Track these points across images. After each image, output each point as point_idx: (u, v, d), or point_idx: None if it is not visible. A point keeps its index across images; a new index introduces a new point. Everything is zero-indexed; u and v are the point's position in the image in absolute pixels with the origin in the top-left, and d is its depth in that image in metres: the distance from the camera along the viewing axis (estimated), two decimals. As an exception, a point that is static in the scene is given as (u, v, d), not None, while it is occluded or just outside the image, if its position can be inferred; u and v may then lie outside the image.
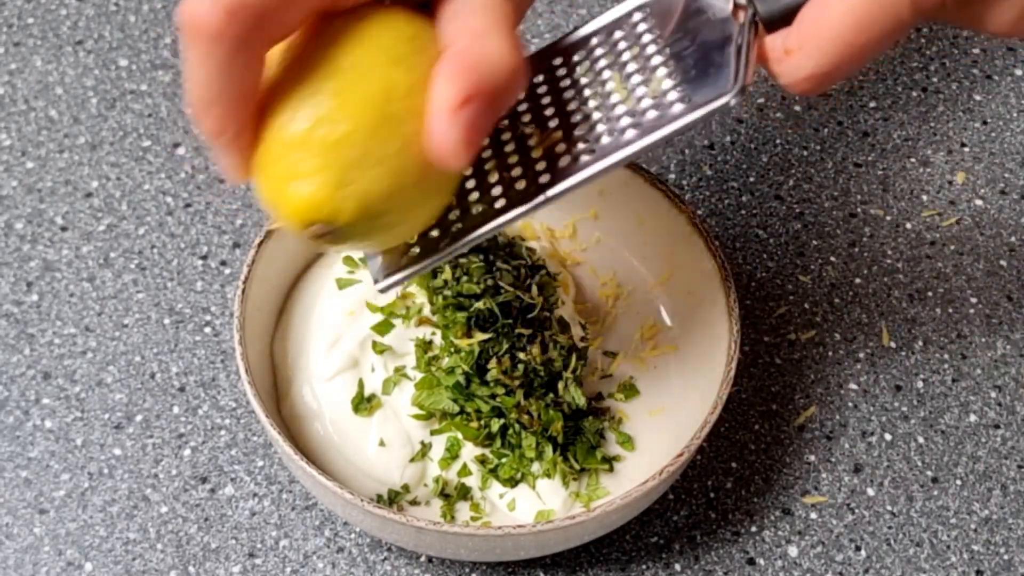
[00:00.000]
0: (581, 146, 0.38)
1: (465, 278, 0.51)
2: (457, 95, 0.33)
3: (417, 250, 0.40)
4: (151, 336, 0.59)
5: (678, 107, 0.36)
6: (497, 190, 0.39)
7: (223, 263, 0.62)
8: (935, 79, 0.72)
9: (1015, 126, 0.70)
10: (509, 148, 0.40)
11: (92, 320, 0.59)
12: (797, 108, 0.70)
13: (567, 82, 0.40)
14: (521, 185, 0.39)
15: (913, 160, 0.68)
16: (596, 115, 0.38)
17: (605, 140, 0.38)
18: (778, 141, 0.69)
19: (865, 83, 0.72)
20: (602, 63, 0.39)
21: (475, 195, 0.39)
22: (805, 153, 0.68)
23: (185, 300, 0.60)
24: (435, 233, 0.40)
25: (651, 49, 0.38)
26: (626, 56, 0.39)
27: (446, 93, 0.33)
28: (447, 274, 0.51)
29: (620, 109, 0.38)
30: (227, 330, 0.59)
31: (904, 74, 0.72)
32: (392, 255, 0.41)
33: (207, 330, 0.59)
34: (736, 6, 0.37)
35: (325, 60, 0.34)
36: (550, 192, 0.38)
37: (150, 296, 0.60)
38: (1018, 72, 0.73)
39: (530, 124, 0.39)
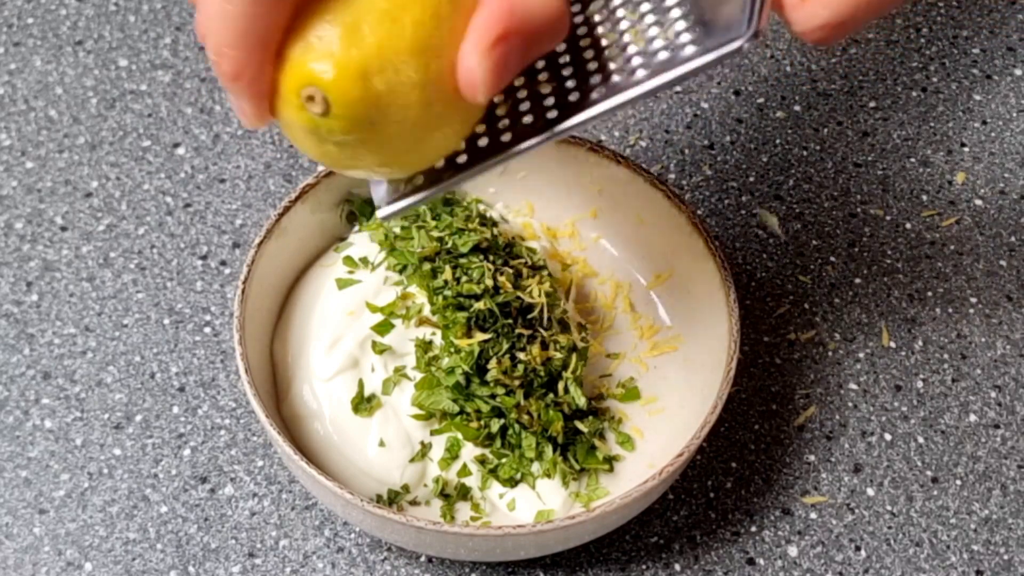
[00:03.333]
0: (591, 82, 0.37)
1: (465, 278, 0.51)
2: (493, 32, 0.33)
3: (421, 179, 0.39)
4: (151, 336, 0.59)
5: (690, 49, 0.36)
6: (504, 123, 0.38)
7: (223, 263, 0.62)
8: (935, 79, 0.72)
9: (1015, 126, 0.70)
10: (518, 83, 0.39)
11: (92, 320, 0.59)
12: (797, 108, 0.70)
13: (580, 19, 0.39)
14: (529, 120, 0.38)
15: (913, 160, 0.68)
16: (608, 53, 0.38)
17: (616, 79, 0.37)
18: (778, 141, 0.69)
19: (865, 83, 0.72)
20: (616, 1, 0.39)
21: (481, 128, 0.39)
22: (805, 153, 0.68)
23: (185, 300, 0.60)
24: (439, 163, 0.39)
25: None
26: None
27: (484, 28, 0.33)
28: (447, 274, 0.51)
29: (632, 49, 0.37)
30: (227, 330, 0.59)
31: (904, 74, 0.72)
32: (396, 182, 0.40)
33: (207, 330, 0.59)
34: None
35: None
36: (557, 128, 0.37)
37: (150, 296, 0.60)
38: (1018, 72, 0.73)
39: (540, 59, 0.39)
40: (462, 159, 0.39)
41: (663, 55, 0.36)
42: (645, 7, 0.38)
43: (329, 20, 0.34)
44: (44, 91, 0.68)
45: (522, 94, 0.39)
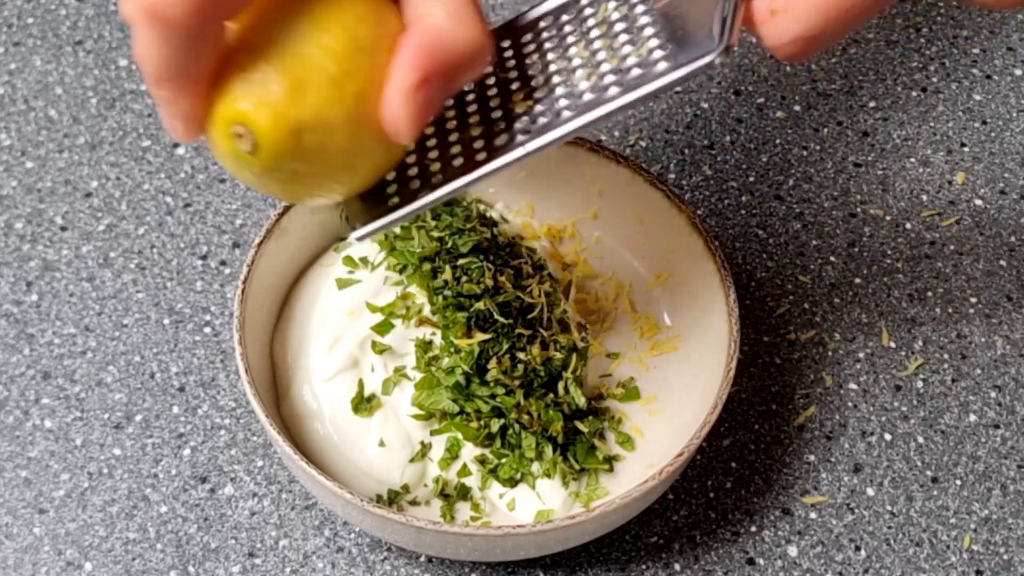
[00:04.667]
0: (563, 102, 0.38)
1: (465, 278, 0.51)
2: (415, 76, 0.34)
3: (396, 200, 0.40)
4: (151, 336, 0.59)
5: (662, 65, 0.36)
6: (478, 143, 0.39)
7: (223, 263, 0.62)
8: (935, 79, 0.72)
9: (1015, 126, 0.70)
10: (493, 102, 0.39)
11: (92, 320, 0.59)
12: (797, 108, 0.70)
13: (553, 36, 0.40)
14: (502, 139, 0.38)
15: (913, 160, 0.68)
16: (581, 71, 0.38)
17: (588, 96, 0.37)
18: (778, 141, 0.69)
19: (865, 83, 0.72)
20: (590, 20, 0.39)
21: (456, 147, 0.39)
22: (805, 153, 0.68)
23: (185, 300, 0.60)
24: (415, 184, 0.40)
25: (637, 6, 0.38)
26: (613, 14, 0.39)
27: (405, 73, 0.34)
28: (447, 274, 0.51)
29: (605, 66, 0.38)
30: (227, 330, 0.59)
31: (904, 74, 0.72)
32: (370, 204, 0.41)
33: (207, 330, 0.59)
34: None
35: (280, 23, 0.35)
36: (529, 146, 0.38)
37: (150, 296, 0.60)
38: (1018, 72, 0.73)
39: (515, 78, 0.39)
40: (437, 179, 0.39)
41: (636, 71, 0.37)
42: (617, 24, 0.38)
43: (276, 66, 0.35)
44: (44, 91, 0.68)
45: (497, 114, 0.39)
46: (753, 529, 0.55)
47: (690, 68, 0.36)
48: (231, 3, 0.34)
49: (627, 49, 0.38)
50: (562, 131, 0.38)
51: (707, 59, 0.35)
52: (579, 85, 0.38)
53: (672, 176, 0.66)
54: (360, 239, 0.41)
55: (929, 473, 0.57)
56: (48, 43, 0.71)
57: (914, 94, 0.71)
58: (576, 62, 0.38)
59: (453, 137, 0.40)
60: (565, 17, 0.40)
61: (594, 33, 0.39)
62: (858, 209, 0.66)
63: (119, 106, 0.68)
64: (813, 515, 0.55)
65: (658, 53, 0.37)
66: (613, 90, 0.37)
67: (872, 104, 0.71)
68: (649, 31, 0.37)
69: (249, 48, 0.35)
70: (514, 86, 0.39)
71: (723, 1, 0.36)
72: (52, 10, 0.72)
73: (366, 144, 0.36)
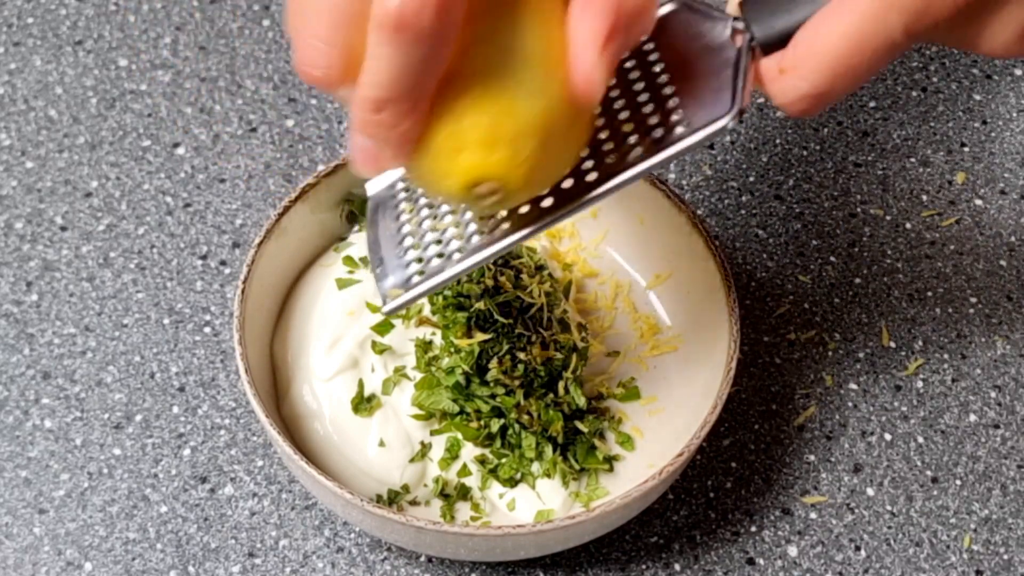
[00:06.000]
0: (583, 167, 0.39)
1: (465, 278, 0.51)
2: (605, 29, 0.33)
3: (422, 273, 0.41)
4: (151, 336, 0.59)
5: (679, 129, 0.37)
6: (502, 214, 0.40)
7: (223, 263, 0.62)
8: (935, 79, 0.72)
9: (1015, 126, 0.70)
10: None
11: (92, 320, 0.59)
12: (797, 108, 0.70)
13: None
14: (524, 209, 0.39)
15: (913, 160, 0.68)
16: (600, 136, 0.39)
17: (609, 161, 0.38)
18: (778, 141, 0.69)
19: (865, 83, 0.72)
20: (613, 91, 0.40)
21: (474, 226, 0.41)
22: (805, 153, 0.68)
23: (185, 300, 0.60)
24: (437, 259, 0.41)
25: (654, 71, 0.39)
26: (632, 76, 0.40)
27: (595, 28, 0.33)
28: (447, 274, 0.51)
29: (624, 130, 0.39)
30: (227, 330, 0.59)
31: (904, 74, 0.72)
32: (399, 276, 0.41)
33: (207, 330, 0.59)
34: (734, 31, 0.38)
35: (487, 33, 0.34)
36: (549, 218, 0.39)
37: (150, 296, 0.60)
38: (1018, 72, 0.73)
39: None
40: (457, 256, 0.40)
41: (656, 134, 0.38)
42: (636, 87, 0.39)
43: (519, 123, 0.34)
44: (44, 91, 0.68)
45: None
46: (753, 529, 0.55)
47: (705, 133, 0.37)
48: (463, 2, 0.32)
49: (647, 109, 0.39)
50: (580, 201, 0.38)
51: (720, 123, 0.36)
52: (599, 150, 0.39)
53: (672, 176, 0.67)
54: (390, 312, 0.41)
55: (929, 473, 0.57)
56: (48, 43, 0.71)
57: (914, 94, 0.71)
58: (598, 123, 0.39)
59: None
60: None
61: (614, 93, 0.40)
62: (858, 209, 0.66)
63: (119, 106, 0.68)
64: (813, 515, 0.55)
65: (674, 117, 0.38)
66: (634, 154, 0.38)
67: (872, 104, 0.71)
68: (664, 92, 0.38)
69: (471, 73, 0.34)
70: None
71: (734, 65, 0.37)
72: (52, 10, 0.72)
73: (578, 144, 0.37)
